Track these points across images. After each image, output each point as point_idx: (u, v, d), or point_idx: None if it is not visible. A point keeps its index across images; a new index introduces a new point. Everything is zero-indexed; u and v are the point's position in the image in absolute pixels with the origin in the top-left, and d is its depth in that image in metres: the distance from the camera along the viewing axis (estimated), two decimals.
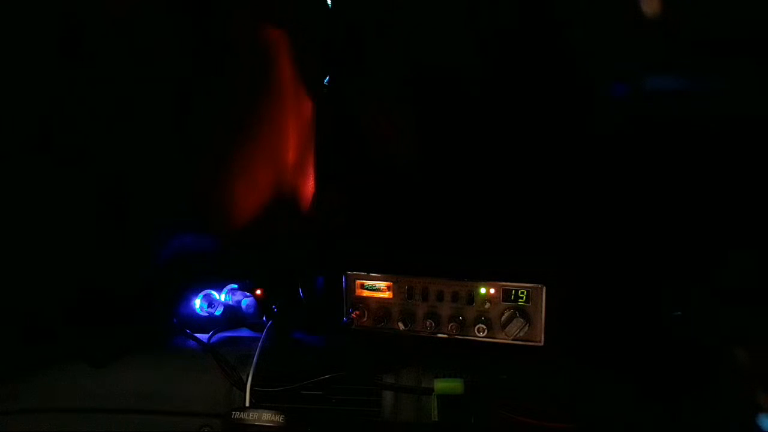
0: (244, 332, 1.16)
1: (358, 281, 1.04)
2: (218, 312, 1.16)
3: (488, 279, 0.99)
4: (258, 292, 1.17)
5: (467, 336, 1.00)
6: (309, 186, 1.17)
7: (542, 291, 0.98)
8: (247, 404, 0.95)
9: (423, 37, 1.10)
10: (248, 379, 0.97)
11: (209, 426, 0.99)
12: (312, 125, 1.16)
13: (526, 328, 0.98)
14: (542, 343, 0.98)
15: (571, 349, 0.98)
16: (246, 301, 1.16)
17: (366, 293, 1.04)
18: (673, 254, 1.04)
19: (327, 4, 1.13)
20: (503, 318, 0.99)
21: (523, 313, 0.98)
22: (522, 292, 0.98)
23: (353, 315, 1.03)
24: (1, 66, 1.00)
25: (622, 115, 1.06)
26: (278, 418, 0.90)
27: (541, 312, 0.98)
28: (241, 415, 0.91)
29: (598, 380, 0.97)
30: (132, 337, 1.09)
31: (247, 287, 1.18)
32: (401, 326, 1.02)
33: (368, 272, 1.04)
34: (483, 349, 1.00)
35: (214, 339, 1.11)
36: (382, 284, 1.03)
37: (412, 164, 1.12)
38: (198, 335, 1.12)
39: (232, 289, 1.18)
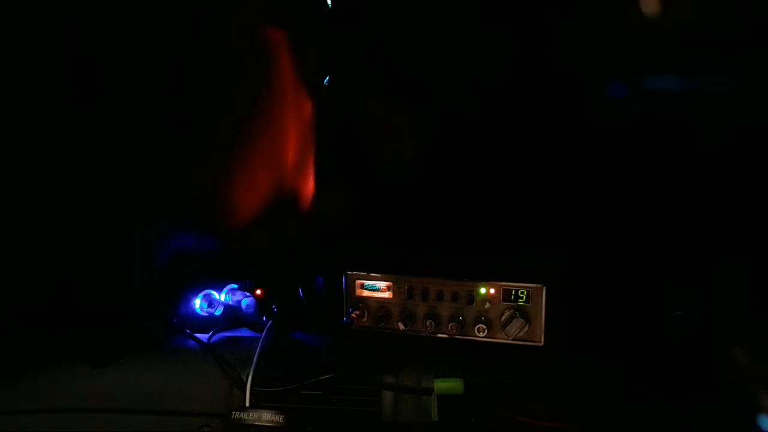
0: (244, 332, 1.16)
1: (358, 281, 1.04)
2: (218, 312, 1.16)
3: (488, 279, 0.99)
4: (258, 292, 1.17)
5: (467, 336, 1.00)
6: (309, 186, 1.17)
7: (542, 291, 0.97)
8: (247, 404, 0.95)
9: (422, 36, 1.10)
10: (248, 379, 0.96)
11: (209, 426, 0.99)
12: (312, 125, 1.16)
13: (526, 328, 0.98)
14: (542, 343, 0.98)
15: (571, 349, 0.98)
16: (246, 301, 1.16)
17: (366, 293, 1.04)
18: (673, 254, 1.04)
19: (327, 4, 1.13)
20: (503, 318, 0.99)
21: (523, 313, 0.98)
22: (522, 292, 0.98)
23: (353, 315, 1.03)
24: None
25: (622, 115, 1.06)
26: (278, 418, 0.90)
27: (541, 312, 0.98)
28: (241, 415, 0.91)
29: (599, 380, 0.97)
30: (132, 337, 1.09)
31: (247, 287, 1.18)
32: (401, 326, 1.02)
33: (368, 272, 1.04)
34: (483, 349, 1.00)
35: (214, 339, 1.11)
36: (382, 284, 1.03)
37: (412, 164, 1.12)
38: (198, 335, 1.12)
39: (232, 289, 1.18)
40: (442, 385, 0.95)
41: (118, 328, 1.09)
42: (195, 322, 1.16)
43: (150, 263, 1.13)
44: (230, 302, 1.17)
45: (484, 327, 0.99)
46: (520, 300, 0.98)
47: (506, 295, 0.99)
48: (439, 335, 1.01)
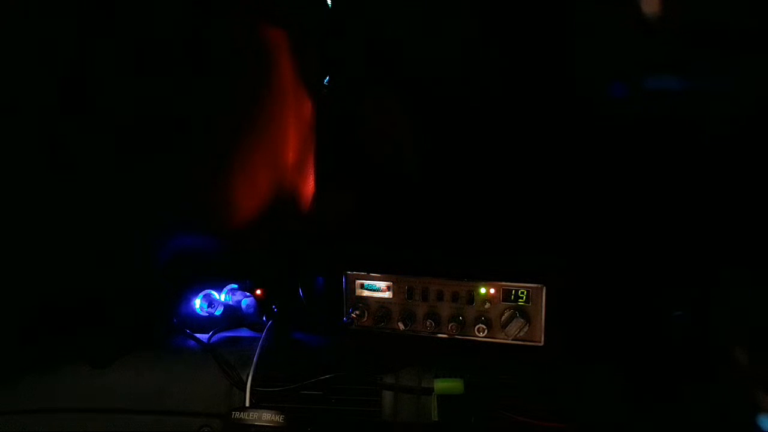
0: (244, 332, 1.16)
1: (358, 281, 1.04)
2: (218, 312, 1.16)
3: (488, 279, 0.99)
4: (258, 292, 1.17)
5: (467, 336, 1.00)
6: (309, 186, 1.17)
7: (542, 291, 0.97)
8: (247, 404, 0.95)
9: (422, 36, 1.10)
10: (248, 379, 0.97)
11: (209, 426, 0.99)
12: (312, 125, 1.16)
13: (526, 328, 0.98)
14: (542, 343, 0.98)
15: (571, 349, 0.98)
16: (246, 301, 1.16)
17: (366, 293, 1.04)
18: (673, 254, 1.04)
19: (327, 4, 1.13)
20: (503, 318, 0.99)
21: (523, 313, 0.98)
22: (522, 292, 0.98)
23: (353, 315, 1.03)
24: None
25: (622, 115, 1.06)
26: (278, 418, 0.90)
27: (541, 312, 0.98)
28: (241, 415, 0.91)
29: (598, 380, 0.97)
30: (132, 337, 1.09)
31: (247, 287, 1.18)
32: (401, 326, 1.02)
33: (368, 272, 1.04)
34: (483, 349, 1.00)
35: (214, 339, 1.11)
36: (382, 284, 1.04)
37: (412, 164, 1.12)
38: (198, 335, 1.12)
39: (232, 289, 1.18)
40: (442, 385, 0.95)
41: (118, 328, 1.09)
42: (195, 322, 1.16)
43: (150, 263, 1.13)
44: (230, 302, 1.17)
45: (484, 327, 0.99)
46: (520, 300, 0.98)
47: (506, 295, 0.99)
48: (439, 335, 1.01)
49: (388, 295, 1.03)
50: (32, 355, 1.05)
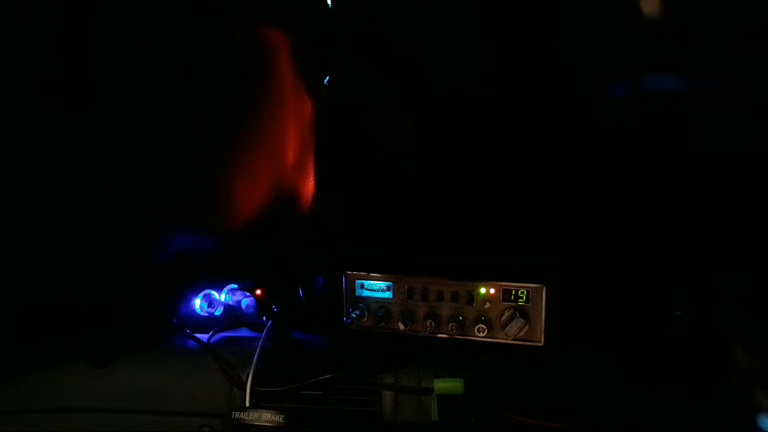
0: (244, 332, 1.16)
1: (358, 281, 1.04)
2: (218, 312, 1.16)
3: (488, 279, 0.99)
4: (258, 292, 1.17)
5: (467, 336, 1.00)
6: (309, 186, 1.17)
7: (542, 291, 0.97)
8: (247, 404, 0.95)
9: (422, 36, 1.10)
10: (248, 379, 0.97)
11: (209, 426, 0.99)
12: (312, 125, 1.16)
13: (526, 328, 0.98)
14: (542, 343, 0.98)
15: (572, 349, 0.98)
16: (246, 301, 1.16)
17: (366, 293, 1.04)
18: (673, 254, 1.04)
19: (327, 4, 1.13)
20: (503, 318, 0.99)
21: (523, 313, 0.98)
22: (522, 292, 0.98)
23: (353, 315, 1.03)
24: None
25: (622, 115, 1.06)
26: (278, 418, 0.90)
27: (541, 312, 0.98)
28: (241, 415, 0.91)
29: (598, 380, 0.97)
30: (132, 337, 1.09)
31: (247, 287, 1.18)
32: (401, 326, 1.02)
33: (368, 272, 1.04)
34: (483, 349, 1.00)
35: (214, 339, 1.11)
36: (382, 284, 1.04)
37: (412, 164, 1.12)
38: (198, 335, 1.12)
39: (232, 289, 1.18)
40: (442, 385, 0.95)
41: (118, 328, 1.09)
42: (195, 322, 1.16)
43: (150, 263, 1.13)
44: (230, 302, 1.17)
45: (484, 327, 0.99)
46: (520, 300, 0.98)
47: (506, 295, 0.99)
48: (439, 335, 1.01)
49: (388, 295, 1.03)
50: (32, 355, 1.06)
